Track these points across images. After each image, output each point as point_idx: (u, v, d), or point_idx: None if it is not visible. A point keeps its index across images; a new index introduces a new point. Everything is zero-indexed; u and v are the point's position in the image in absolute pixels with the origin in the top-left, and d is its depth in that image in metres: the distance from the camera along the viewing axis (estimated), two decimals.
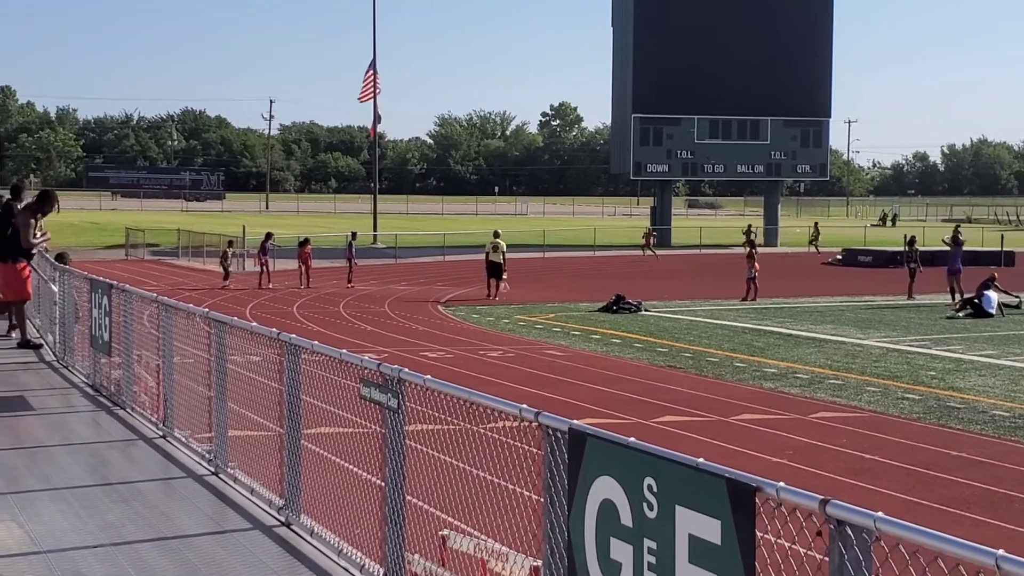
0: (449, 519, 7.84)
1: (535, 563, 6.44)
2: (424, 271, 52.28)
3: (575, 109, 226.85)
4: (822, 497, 4.01)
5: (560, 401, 17.68)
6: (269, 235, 44.98)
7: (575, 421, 5.73)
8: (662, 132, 76.13)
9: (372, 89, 70.70)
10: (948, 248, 37.10)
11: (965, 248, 37.98)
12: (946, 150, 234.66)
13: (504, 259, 39.02)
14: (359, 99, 72.46)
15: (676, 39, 73.86)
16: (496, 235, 40.07)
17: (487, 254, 39.50)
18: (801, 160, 78.76)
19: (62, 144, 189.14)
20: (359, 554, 7.91)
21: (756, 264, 38.33)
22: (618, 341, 26.65)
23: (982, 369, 22.18)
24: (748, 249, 39.44)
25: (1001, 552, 3.36)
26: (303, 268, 41.78)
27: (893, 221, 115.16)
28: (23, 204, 18.73)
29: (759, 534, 4.28)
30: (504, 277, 38.82)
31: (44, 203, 18.53)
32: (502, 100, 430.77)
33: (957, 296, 34.88)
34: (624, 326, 29.84)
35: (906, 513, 11.17)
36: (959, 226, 42.49)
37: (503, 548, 7.05)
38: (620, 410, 17.41)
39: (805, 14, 76.26)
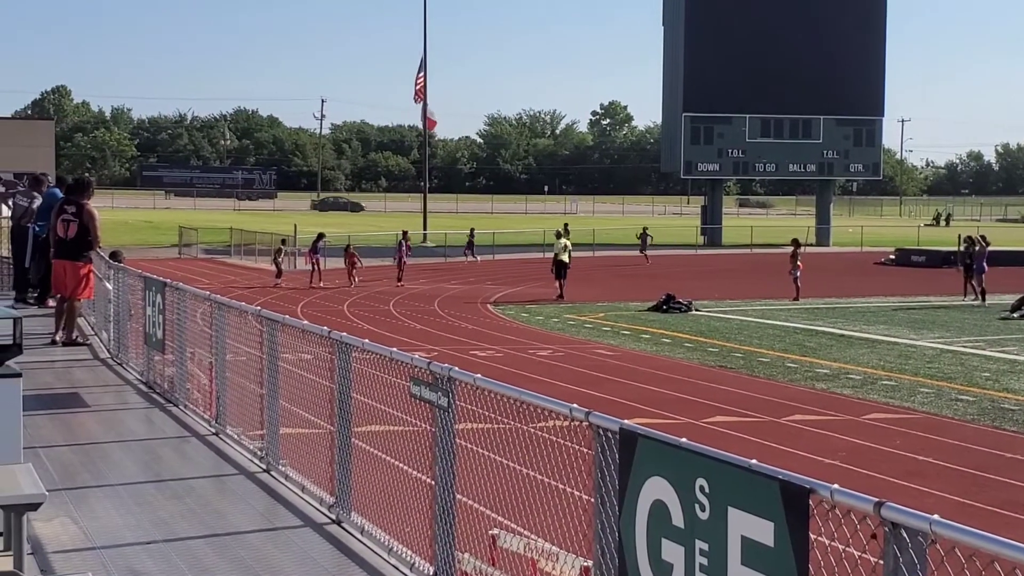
0: (499, 518, 7.83)
1: (586, 563, 6.42)
2: (473, 270, 52.35)
3: (625, 108, 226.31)
4: (877, 499, 3.97)
5: (610, 400, 17.64)
6: (321, 235, 45.35)
7: (626, 421, 5.71)
8: (713, 131, 75.76)
9: (422, 90, 71.13)
10: (975, 249, 37.71)
11: (1018, 249, 38.39)
12: (1000, 149, 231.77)
13: (570, 258, 38.81)
14: (415, 99, 72.81)
15: (727, 37, 73.47)
16: (559, 235, 39.88)
17: (555, 254, 39.13)
18: (854, 159, 78.10)
19: (116, 143, 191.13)
20: (409, 552, 7.93)
21: (800, 263, 38.13)
22: (668, 341, 26.55)
23: None
24: (792, 249, 39.17)
25: None
26: (350, 269, 42.40)
27: (947, 221, 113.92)
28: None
29: (812, 536, 4.25)
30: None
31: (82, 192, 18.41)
32: (552, 99, 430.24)
33: (973, 295, 36.92)
34: (674, 326, 29.73)
35: (959, 516, 11.05)
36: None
37: (553, 548, 7.04)
38: (670, 410, 17.35)
39: (858, 11, 75.59)
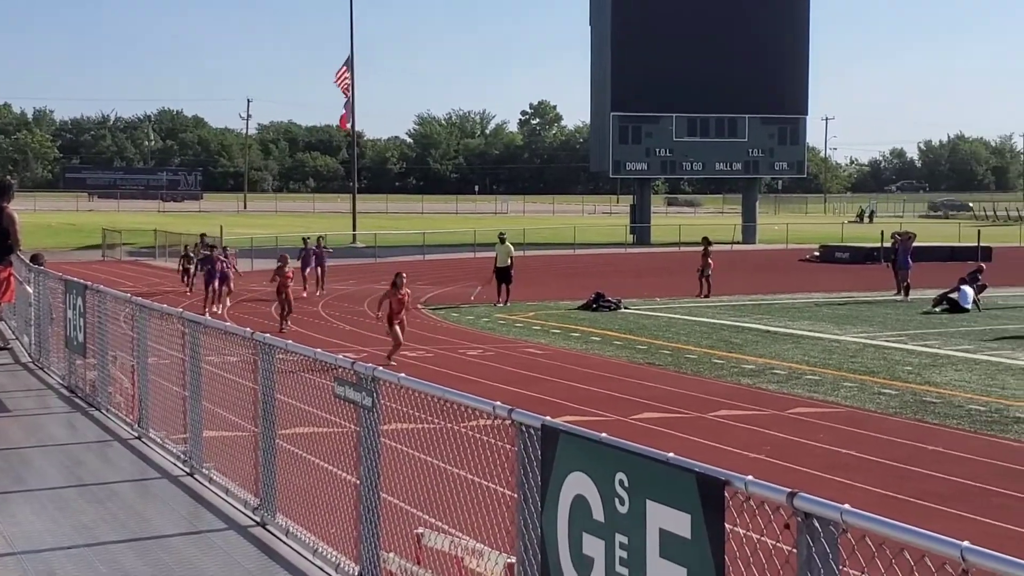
0: (425, 517, 7.84)
1: (510, 559, 6.45)
2: (404, 270, 52.07)
3: (554, 107, 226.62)
4: (790, 490, 4.03)
5: (539, 399, 17.68)
6: (203, 235, 42.53)
7: (548, 418, 5.74)
8: (641, 130, 76.20)
9: (346, 82, 70.80)
10: (898, 245, 38.35)
11: (942, 244, 38.95)
12: (923, 146, 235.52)
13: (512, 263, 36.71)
14: (335, 83, 72.20)
15: (654, 37, 73.92)
16: (502, 239, 37.30)
17: (496, 258, 36.68)
18: (779, 158, 78.95)
19: (39, 145, 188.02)
20: (335, 553, 7.90)
21: (711, 262, 38.40)
22: (598, 339, 26.68)
23: (958, 364, 22.29)
24: (703, 247, 39.16)
25: (966, 544, 3.38)
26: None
27: (870, 218, 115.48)
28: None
29: (729, 527, 4.30)
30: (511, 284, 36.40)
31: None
32: (481, 99, 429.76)
33: (902, 291, 37.11)
34: (604, 324, 29.88)
35: (882, 507, 11.22)
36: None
37: (479, 545, 7.06)
38: (599, 407, 17.44)
39: (782, 11, 76.43)
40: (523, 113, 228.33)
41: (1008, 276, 42.47)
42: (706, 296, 37.55)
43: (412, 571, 7.40)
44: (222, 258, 33.24)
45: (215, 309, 30.68)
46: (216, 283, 32.35)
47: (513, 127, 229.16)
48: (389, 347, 22.69)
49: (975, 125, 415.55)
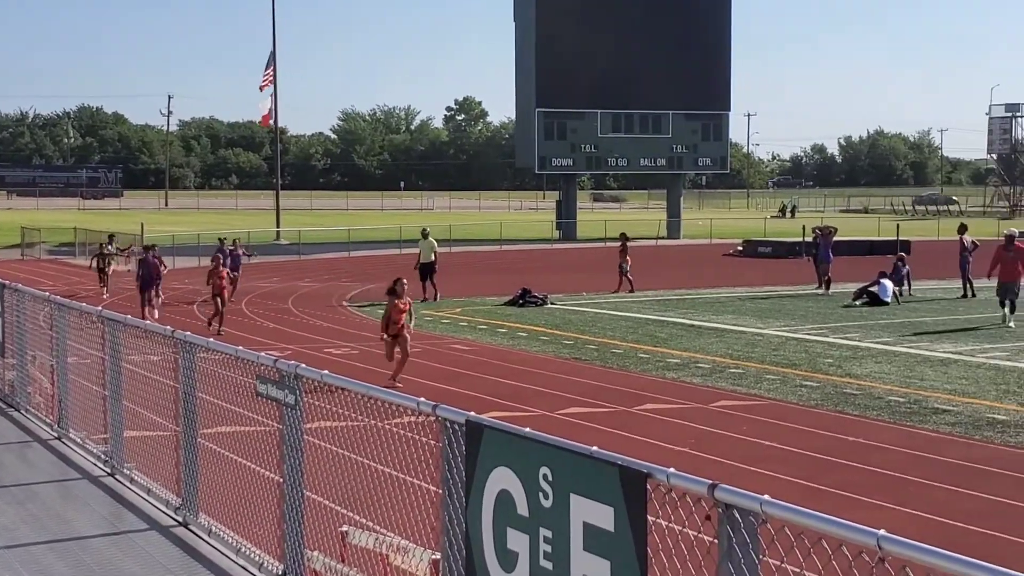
0: (350, 515, 7.79)
1: (435, 556, 6.44)
2: (329, 267, 51.92)
3: (480, 103, 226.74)
4: (711, 482, 4.07)
5: (465, 395, 17.68)
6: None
7: (472, 413, 5.74)
8: (566, 126, 76.43)
9: (269, 79, 70.28)
10: (819, 239, 38.63)
11: (862, 239, 39.32)
12: (843, 142, 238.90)
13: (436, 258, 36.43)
14: (260, 90, 71.75)
15: (578, 33, 74.18)
16: (425, 235, 37.20)
17: (419, 254, 36.25)
18: (702, 153, 79.62)
19: None
20: (258, 552, 7.84)
21: (628, 257, 38.51)
22: (524, 334, 26.73)
23: (878, 356, 22.63)
24: (621, 243, 39.34)
25: (882, 532, 3.43)
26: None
27: (792, 212, 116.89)
28: None
29: (652, 519, 4.33)
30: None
31: None
32: (406, 95, 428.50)
33: (823, 285, 37.25)
34: (530, 319, 29.93)
35: (804, 498, 11.37)
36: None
37: (404, 542, 7.04)
38: (526, 403, 17.48)
39: (705, 8, 77.12)
40: (448, 109, 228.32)
41: (926, 270, 43.20)
42: (630, 291, 37.72)
43: (337, 569, 7.36)
44: (156, 259, 31.79)
45: (154, 315, 29.40)
46: (153, 290, 30.75)
47: (439, 123, 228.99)
48: (314, 345, 22.49)
49: (894, 121, 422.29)
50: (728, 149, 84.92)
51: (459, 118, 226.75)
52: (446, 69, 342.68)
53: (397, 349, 19.29)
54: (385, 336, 19.50)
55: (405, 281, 20.04)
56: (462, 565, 5.62)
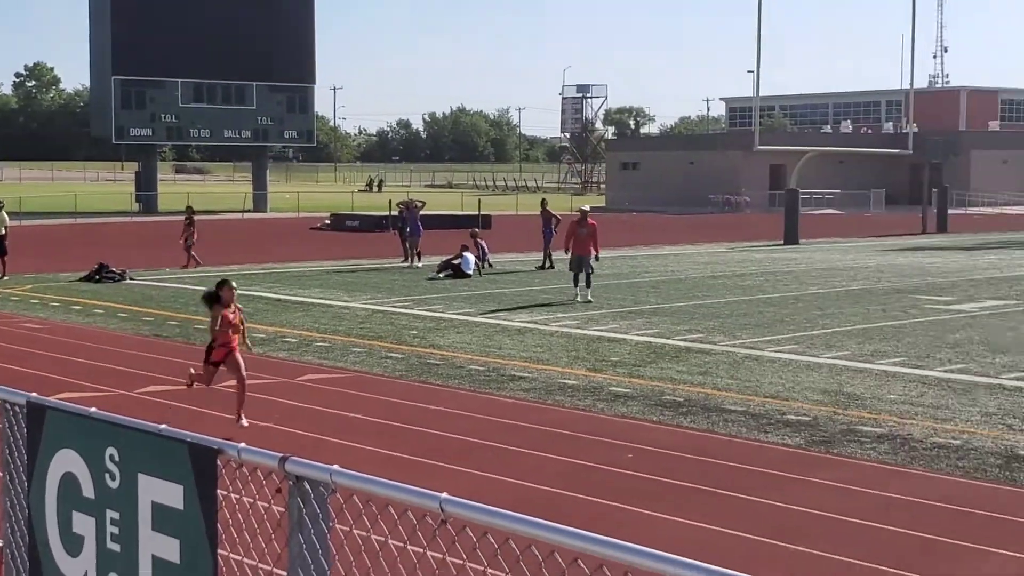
0: None
1: None
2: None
3: (52, 70, 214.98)
4: (281, 455, 4.06)
5: (36, 375, 16.79)
6: None
7: (34, 394, 5.46)
8: (145, 95, 73.79)
9: None
10: (404, 213, 39.57)
11: (445, 213, 40.32)
12: (427, 118, 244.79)
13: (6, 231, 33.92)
14: None
15: None
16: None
17: None
18: (288, 126, 79.18)
19: None
20: None
21: (195, 232, 37.69)
22: (101, 311, 25.67)
23: (460, 327, 23.40)
24: (186, 216, 38.43)
25: (444, 495, 3.55)
26: None
27: (379, 187, 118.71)
28: None
29: (225, 495, 4.27)
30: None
31: None
32: None
33: (412, 258, 38.18)
34: (108, 296, 28.78)
35: (387, 467, 11.61)
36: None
37: None
38: (102, 382, 16.83)
39: None
40: (17, 75, 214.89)
41: (505, 243, 45.10)
42: (196, 266, 36.57)
43: None
44: None
45: None
46: None
47: (7, 90, 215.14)
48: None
49: (475, 99, 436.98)
50: (314, 122, 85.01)
51: (29, 84, 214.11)
52: (14, 33, 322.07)
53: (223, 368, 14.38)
54: (203, 365, 14.56)
55: (234, 284, 14.94)
56: (25, 551, 5.35)
